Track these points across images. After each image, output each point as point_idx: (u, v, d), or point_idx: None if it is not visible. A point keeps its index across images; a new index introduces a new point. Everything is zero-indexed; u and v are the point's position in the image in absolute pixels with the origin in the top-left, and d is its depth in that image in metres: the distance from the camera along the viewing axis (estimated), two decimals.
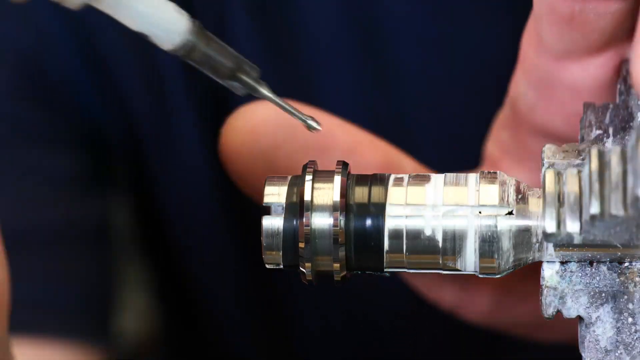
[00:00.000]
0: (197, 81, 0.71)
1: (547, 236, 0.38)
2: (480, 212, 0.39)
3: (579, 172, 0.38)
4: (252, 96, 0.43)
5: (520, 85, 0.45)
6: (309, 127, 0.43)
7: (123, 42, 0.71)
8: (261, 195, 0.41)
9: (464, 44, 0.71)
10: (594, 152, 0.36)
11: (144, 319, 0.92)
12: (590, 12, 0.39)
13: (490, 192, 0.40)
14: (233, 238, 0.75)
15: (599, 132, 0.41)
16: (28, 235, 0.67)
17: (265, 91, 0.42)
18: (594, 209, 0.36)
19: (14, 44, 0.70)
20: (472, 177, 0.40)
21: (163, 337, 0.87)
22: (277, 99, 0.42)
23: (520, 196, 0.40)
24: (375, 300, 0.76)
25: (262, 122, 0.46)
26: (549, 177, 0.39)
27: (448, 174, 0.41)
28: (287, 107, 0.43)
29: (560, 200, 0.38)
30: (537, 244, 0.40)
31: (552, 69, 0.42)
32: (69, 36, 0.71)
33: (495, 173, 0.40)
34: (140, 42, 0.69)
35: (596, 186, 0.36)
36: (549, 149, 0.41)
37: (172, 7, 0.40)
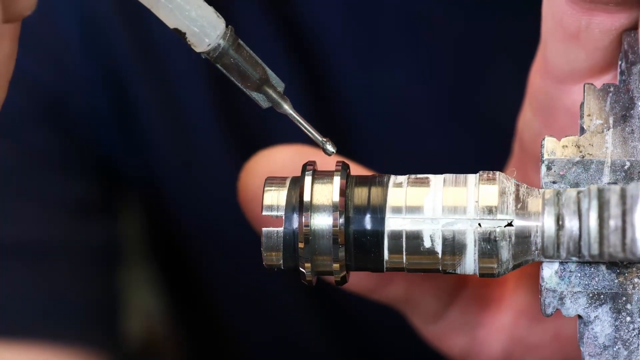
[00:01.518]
0: (219, 114, 0.71)
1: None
2: (480, 225, 0.39)
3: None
4: (272, 112, 0.43)
5: (526, 115, 0.45)
6: (325, 150, 0.43)
7: (145, 76, 0.71)
8: None
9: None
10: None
11: (153, 324, 0.93)
12: (596, 28, 0.40)
13: (489, 196, 0.40)
14: (246, 245, 0.75)
15: (599, 121, 0.41)
16: (40, 249, 0.67)
17: (288, 108, 0.42)
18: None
19: (34, 75, 0.70)
20: (472, 178, 0.40)
21: (174, 343, 0.87)
22: (299, 117, 0.42)
23: (519, 199, 0.40)
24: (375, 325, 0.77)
25: (280, 166, 0.46)
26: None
27: (447, 175, 0.41)
28: (306, 126, 0.43)
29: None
30: (536, 245, 0.40)
31: (556, 92, 0.43)
32: (92, 70, 0.71)
33: (495, 174, 0.40)
34: (162, 75, 0.68)
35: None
36: (549, 141, 0.40)
37: (212, 9, 0.41)
